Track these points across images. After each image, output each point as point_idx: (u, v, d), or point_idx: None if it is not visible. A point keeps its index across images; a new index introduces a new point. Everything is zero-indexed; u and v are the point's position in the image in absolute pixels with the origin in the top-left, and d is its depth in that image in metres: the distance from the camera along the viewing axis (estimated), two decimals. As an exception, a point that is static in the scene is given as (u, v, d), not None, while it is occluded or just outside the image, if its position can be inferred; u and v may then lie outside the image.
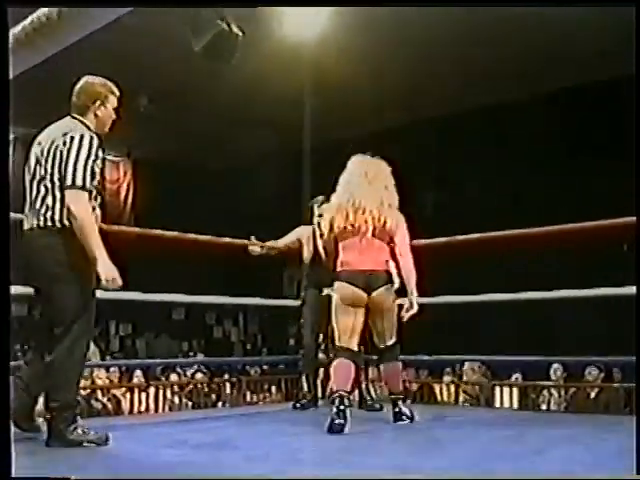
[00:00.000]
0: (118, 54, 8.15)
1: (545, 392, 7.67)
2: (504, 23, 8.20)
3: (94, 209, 3.40)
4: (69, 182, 3.28)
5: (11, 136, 11.37)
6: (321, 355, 5.45)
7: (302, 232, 5.38)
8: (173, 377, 9.32)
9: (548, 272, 9.08)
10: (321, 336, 5.39)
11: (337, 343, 4.16)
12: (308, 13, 8.19)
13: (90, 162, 3.32)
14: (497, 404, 7.28)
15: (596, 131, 9.72)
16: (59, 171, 3.32)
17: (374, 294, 4.12)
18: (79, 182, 3.28)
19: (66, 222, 3.31)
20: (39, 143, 3.47)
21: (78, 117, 3.51)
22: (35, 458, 2.93)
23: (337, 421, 3.85)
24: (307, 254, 5.32)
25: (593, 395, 7.33)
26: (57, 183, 3.33)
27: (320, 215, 5.13)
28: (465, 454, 3.19)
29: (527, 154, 10.30)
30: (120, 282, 3.28)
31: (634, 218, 4.19)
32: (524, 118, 10.04)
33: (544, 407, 7.49)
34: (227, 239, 5.56)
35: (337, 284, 4.20)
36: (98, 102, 3.53)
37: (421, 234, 4.95)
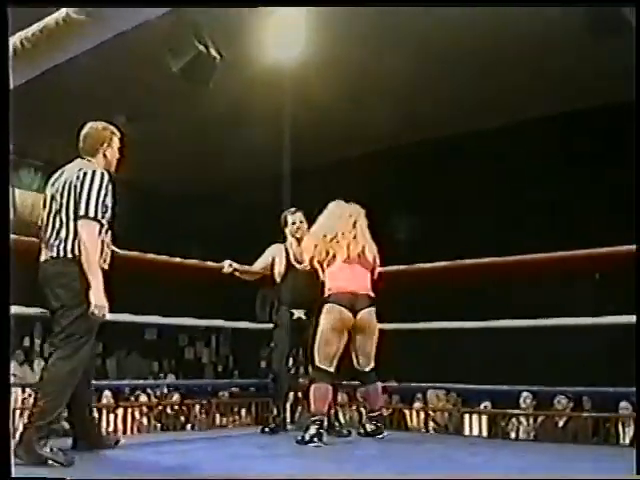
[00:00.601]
0: (98, 73, 8.16)
1: (514, 420, 7.70)
2: (497, 44, 8.27)
3: (103, 242, 3.68)
4: (82, 212, 3.56)
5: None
6: (291, 379, 5.44)
7: (274, 251, 5.37)
8: (142, 398, 9.24)
9: (521, 300, 9.14)
10: (291, 360, 5.38)
11: (318, 365, 4.33)
12: (288, 35, 8.21)
13: (102, 195, 3.61)
14: (466, 431, 7.31)
15: (588, 157, 9.82)
16: (74, 204, 3.58)
17: (359, 315, 4.37)
18: (91, 213, 3.56)
19: (77, 252, 3.57)
20: (53, 184, 3.74)
21: (87, 159, 3.78)
22: None
23: (315, 444, 4.15)
24: (278, 272, 5.29)
25: (561, 424, 7.37)
26: (71, 216, 3.59)
27: (294, 223, 5.26)
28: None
29: (516, 180, 10.36)
30: (106, 314, 3.59)
31: (609, 249, 4.29)
32: (518, 142, 10.11)
33: (513, 435, 7.52)
34: (198, 261, 5.55)
35: (327, 306, 4.40)
36: (105, 144, 3.83)
37: (399, 260, 5.03)
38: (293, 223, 5.30)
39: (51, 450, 3.38)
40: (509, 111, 10.04)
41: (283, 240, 5.37)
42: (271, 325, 5.31)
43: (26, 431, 3.46)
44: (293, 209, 5.38)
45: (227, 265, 5.23)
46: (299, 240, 5.24)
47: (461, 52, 8.49)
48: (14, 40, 1.79)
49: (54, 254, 3.62)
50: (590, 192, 9.65)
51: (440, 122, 10.46)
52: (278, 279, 5.29)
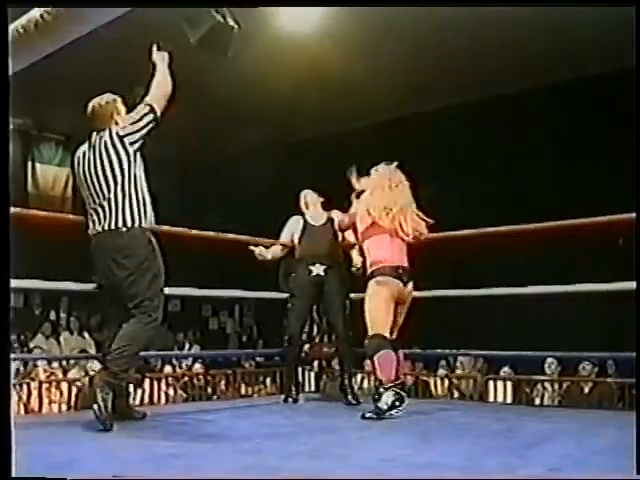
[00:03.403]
0: (114, 44, 8.13)
1: (539, 386, 7.69)
2: (501, 15, 8.15)
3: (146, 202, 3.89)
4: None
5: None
6: (307, 346, 5.46)
7: (292, 225, 5.41)
8: (167, 369, 9.32)
9: (545, 267, 9.08)
10: (315, 328, 5.39)
11: (380, 333, 4.29)
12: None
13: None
14: (491, 398, 7.31)
15: (595, 125, 9.68)
16: (113, 177, 3.76)
17: (406, 288, 4.45)
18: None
19: (129, 224, 3.76)
20: (84, 159, 3.88)
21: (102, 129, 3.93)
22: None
23: (396, 409, 4.13)
24: (298, 237, 5.31)
25: (587, 390, 7.35)
26: (119, 190, 3.76)
27: (306, 203, 5.37)
28: (455, 448, 3.20)
29: (527, 148, 10.24)
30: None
31: (630, 215, 4.21)
32: (523, 111, 9.99)
33: (538, 401, 7.51)
34: (222, 234, 5.54)
35: (380, 279, 4.40)
36: (114, 114, 3.95)
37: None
38: (305, 203, 5.39)
39: (105, 401, 3.52)
40: (529, 76, 9.90)
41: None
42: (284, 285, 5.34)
43: (105, 370, 3.73)
44: (306, 190, 5.48)
45: (260, 254, 5.29)
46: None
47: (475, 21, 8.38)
48: (34, 14, 1.78)
49: (111, 226, 3.76)
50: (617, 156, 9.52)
51: (456, 89, 10.35)
52: (296, 243, 5.30)
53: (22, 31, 1.76)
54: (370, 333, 4.33)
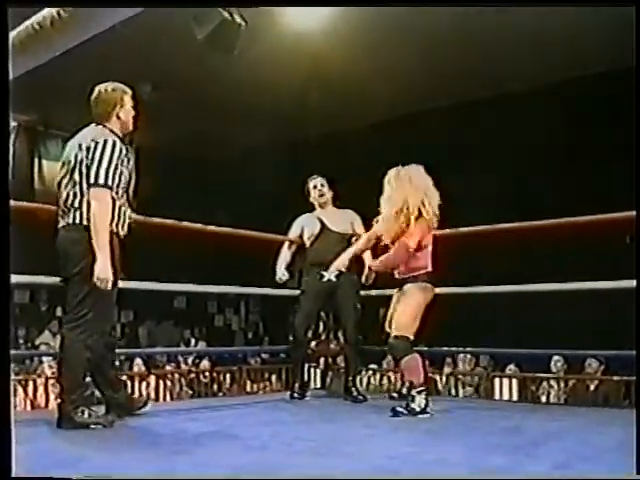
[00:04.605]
0: (123, 41, 8.12)
1: (545, 384, 7.67)
2: (501, 16, 8.15)
3: (121, 208, 3.71)
4: (92, 180, 3.56)
5: (14, 123, 11.37)
6: (313, 344, 5.45)
7: (302, 220, 5.40)
8: (173, 365, 9.33)
9: (551, 265, 9.07)
10: (322, 325, 5.39)
11: (409, 336, 4.27)
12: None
13: (113, 162, 3.61)
14: (497, 396, 7.29)
15: (597, 123, 9.66)
16: (87, 174, 3.58)
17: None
18: (101, 180, 3.57)
19: (87, 222, 3.58)
20: (67, 152, 3.74)
21: (102, 123, 3.77)
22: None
23: (428, 414, 4.12)
24: (308, 238, 5.29)
25: (593, 387, 7.33)
26: (85, 185, 3.60)
27: (315, 187, 5.31)
28: (462, 445, 3.20)
29: (528, 146, 10.22)
30: (109, 286, 3.53)
31: (631, 213, 4.21)
32: (525, 110, 9.97)
33: (544, 399, 7.49)
34: (230, 229, 5.55)
35: (424, 285, 4.38)
36: (117, 106, 3.81)
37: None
38: (314, 187, 5.33)
39: (89, 415, 3.52)
40: (543, 74, 9.88)
41: (310, 210, 5.39)
42: (299, 291, 5.31)
43: (62, 404, 3.57)
44: (314, 175, 5.39)
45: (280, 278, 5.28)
46: (322, 205, 5.29)
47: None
48: (50, 10, 1.77)
49: (70, 221, 3.64)
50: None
51: (459, 89, 10.34)
52: (308, 244, 5.30)
53: (38, 28, 1.75)
54: (395, 333, 4.28)
